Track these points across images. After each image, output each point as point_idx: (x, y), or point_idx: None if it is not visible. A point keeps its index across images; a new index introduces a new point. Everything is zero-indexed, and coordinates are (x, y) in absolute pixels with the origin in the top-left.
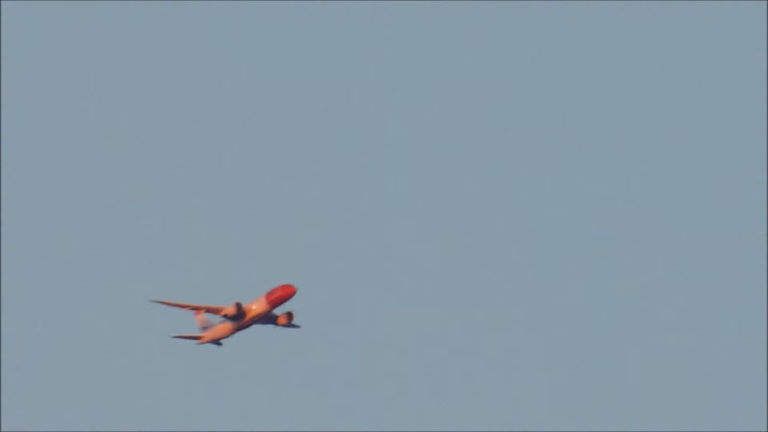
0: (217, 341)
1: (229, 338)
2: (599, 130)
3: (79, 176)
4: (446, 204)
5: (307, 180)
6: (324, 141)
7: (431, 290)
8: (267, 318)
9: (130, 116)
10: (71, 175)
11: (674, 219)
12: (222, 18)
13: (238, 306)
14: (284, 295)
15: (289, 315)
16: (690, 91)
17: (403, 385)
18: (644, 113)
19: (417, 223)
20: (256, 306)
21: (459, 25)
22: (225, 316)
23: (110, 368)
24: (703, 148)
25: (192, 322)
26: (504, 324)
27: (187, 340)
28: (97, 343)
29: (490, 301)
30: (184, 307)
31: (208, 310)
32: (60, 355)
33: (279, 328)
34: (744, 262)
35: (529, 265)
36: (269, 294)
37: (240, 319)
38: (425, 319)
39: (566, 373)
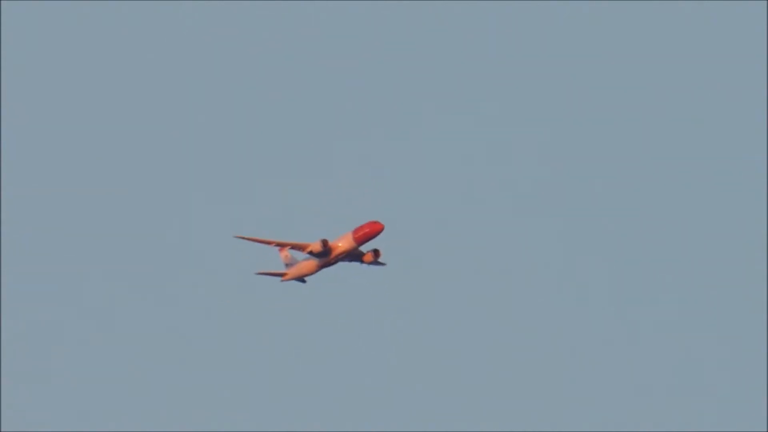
0: (301, 278)
1: (314, 276)
2: (598, 129)
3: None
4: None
5: (399, 117)
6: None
7: (516, 230)
8: (353, 255)
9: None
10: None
11: (675, 218)
12: (222, 18)
13: (324, 242)
14: (371, 232)
15: (376, 252)
16: (690, 91)
17: (486, 324)
18: (644, 113)
19: (505, 166)
20: (342, 243)
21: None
22: (310, 252)
23: (194, 305)
24: (703, 149)
25: (276, 259)
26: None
27: (271, 277)
28: (182, 280)
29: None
30: (268, 243)
31: (293, 247)
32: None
33: (365, 266)
34: (744, 262)
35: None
36: (356, 231)
37: (326, 256)
38: (509, 260)
39: (567, 373)
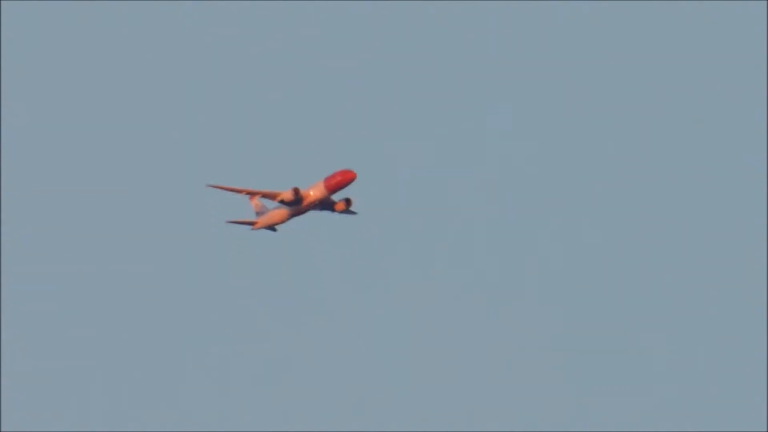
0: (271, 227)
1: (285, 224)
2: (598, 129)
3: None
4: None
5: (370, 71)
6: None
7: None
8: (324, 204)
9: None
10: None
11: (675, 218)
12: (221, 18)
13: (296, 191)
14: (343, 180)
15: (347, 201)
16: (690, 91)
17: (457, 275)
18: (643, 114)
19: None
20: (314, 191)
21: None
22: (281, 201)
23: (165, 254)
24: (702, 149)
25: (247, 207)
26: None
27: (242, 226)
28: (151, 226)
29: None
30: (239, 191)
31: (264, 195)
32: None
33: (336, 215)
34: (744, 262)
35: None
36: (328, 179)
37: (297, 204)
38: (481, 209)
39: (566, 372)
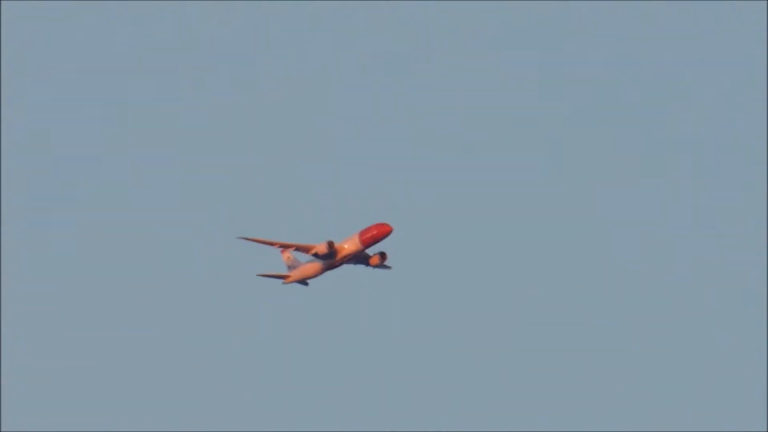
0: (303, 281)
1: (317, 278)
2: (599, 130)
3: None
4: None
5: (403, 119)
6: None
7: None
8: (359, 258)
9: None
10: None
11: (675, 218)
12: (224, 17)
13: (330, 244)
14: (379, 234)
15: (382, 255)
16: (690, 90)
17: (491, 329)
18: (642, 114)
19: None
20: (348, 245)
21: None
22: (315, 254)
23: (193, 309)
24: (702, 149)
25: (278, 261)
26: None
27: (273, 279)
28: (181, 279)
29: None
30: (272, 244)
31: (298, 248)
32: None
33: (370, 269)
34: (744, 263)
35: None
36: (363, 232)
37: (331, 258)
38: (517, 264)
39: (567, 373)
